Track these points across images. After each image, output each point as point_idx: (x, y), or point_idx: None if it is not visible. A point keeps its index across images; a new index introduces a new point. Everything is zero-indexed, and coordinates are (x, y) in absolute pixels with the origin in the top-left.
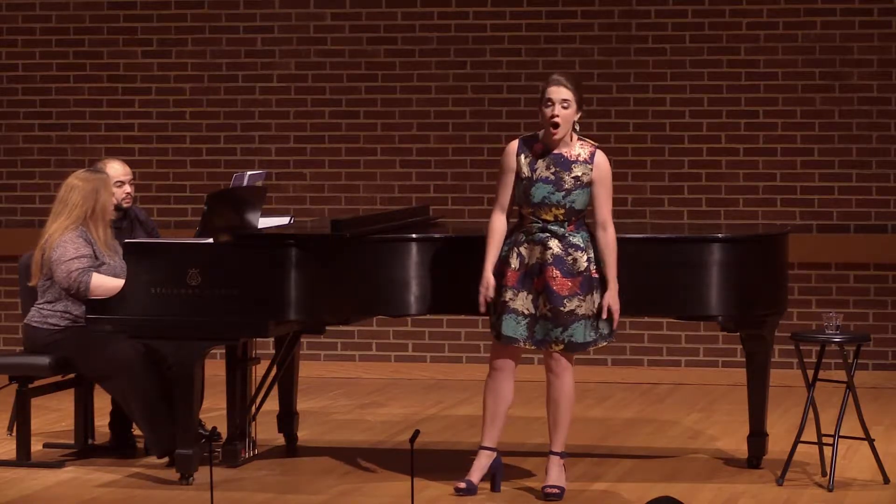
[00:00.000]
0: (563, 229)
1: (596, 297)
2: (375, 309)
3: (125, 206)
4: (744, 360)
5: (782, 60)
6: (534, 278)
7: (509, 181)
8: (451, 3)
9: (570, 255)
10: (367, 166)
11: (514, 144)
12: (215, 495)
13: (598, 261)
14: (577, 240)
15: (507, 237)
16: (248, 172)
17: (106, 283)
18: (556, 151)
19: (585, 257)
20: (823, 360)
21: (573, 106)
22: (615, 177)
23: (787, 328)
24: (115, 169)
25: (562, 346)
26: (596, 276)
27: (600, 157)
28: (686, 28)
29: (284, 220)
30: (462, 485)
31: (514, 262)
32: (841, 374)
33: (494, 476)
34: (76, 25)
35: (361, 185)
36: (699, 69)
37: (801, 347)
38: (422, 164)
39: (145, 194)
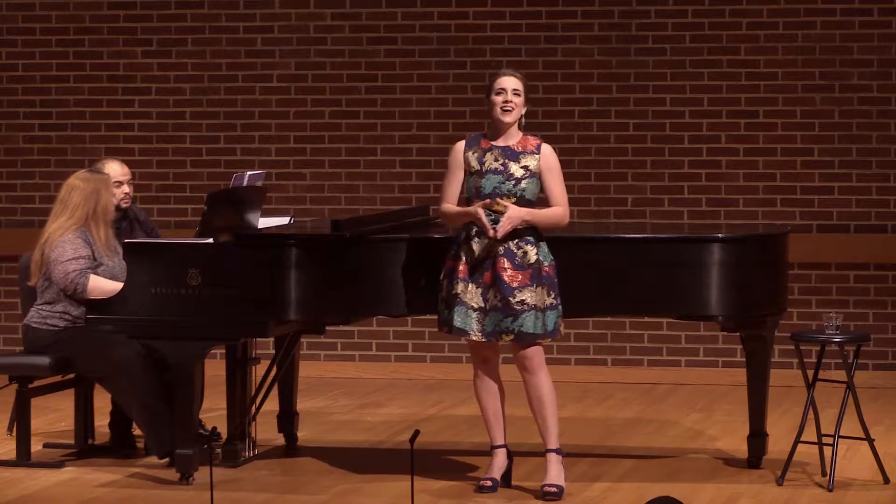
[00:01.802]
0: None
1: (544, 291)
2: (375, 309)
3: (124, 206)
4: (744, 360)
5: (782, 60)
6: (484, 272)
7: (455, 178)
8: (451, 3)
9: (520, 248)
10: (367, 166)
11: (461, 143)
12: (215, 495)
13: (545, 261)
14: (527, 234)
15: (459, 233)
16: (248, 172)
17: (103, 286)
18: (503, 144)
19: (535, 251)
20: (823, 360)
21: (522, 97)
22: (615, 176)
23: (787, 328)
24: (114, 169)
25: (511, 337)
26: (546, 273)
27: (546, 148)
28: (686, 28)
29: (284, 220)
30: (488, 483)
31: (465, 256)
32: (841, 374)
33: (508, 472)
34: (76, 25)
35: (361, 185)
36: (699, 69)
37: (801, 347)
38: (422, 164)
39: (145, 194)
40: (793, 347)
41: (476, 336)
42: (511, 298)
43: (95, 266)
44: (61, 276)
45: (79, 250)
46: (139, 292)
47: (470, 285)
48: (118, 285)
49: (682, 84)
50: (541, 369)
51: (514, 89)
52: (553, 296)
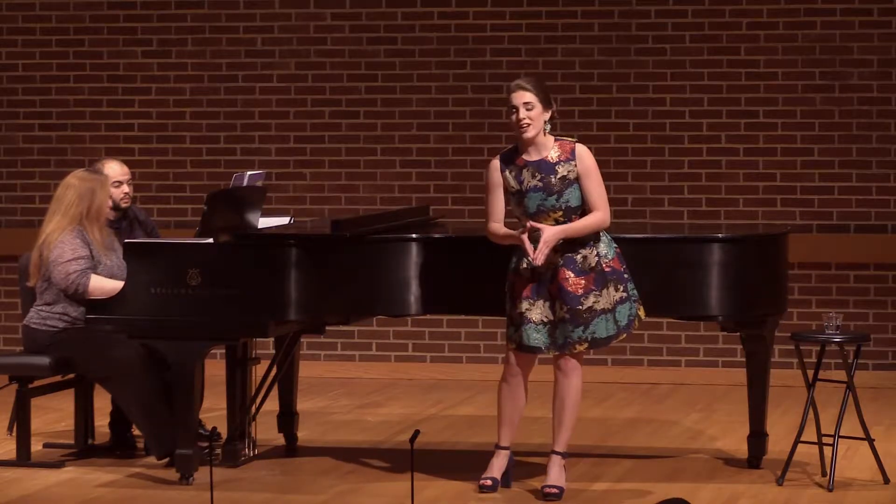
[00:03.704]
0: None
1: (611, 289)
2: (375, 309)
3: (123, 206)
4: (744, 360)
5: (782, 60)
6: (547, 285)
7: (498, 195)
8: (451, 3)
9: (578, 253)
10: (367, 166)
11: (497, 161)
12: (215, 495)
13: (608, 254)
14: (582, 238)
15: (515, 248)
16: (248, 172)
17: (104, 286)
18: (537, 159)
19: (594, 252)
20: (823, 360)
21: (537, 106)
22: (616, 176)
23: (787, 328)
24: (114, 169)
25: (585, 345)
26: (608, 269)
27: (580, 150)
28: (686, 28)
29: (284, 220)
30: (488, 482)
31: (525, 273)
32: (841, 374)
33: (507, 473)
34: (76, 25)
35: (361, 185)
36: (699, 69)
37: (801, 347)
38: (422, 164)
39: (145, 194)
40: (793, 347)
41: (550, 351)
42: (579, 307)
43: (94, 265)
44: (62, 276)
45: (77, 250)
46: (139, 292)
47: (536, 302)
48: (119, 284)
49: (682, 84)
50: (574, 372)
51: (526, 103)
52: (622, 288)
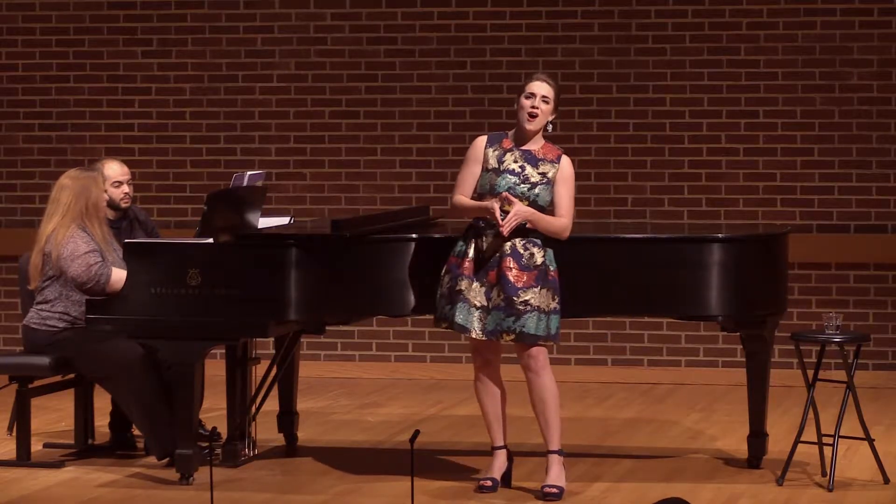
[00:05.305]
0: (523, 223)
1: (549, 294)
2: (375, 309)
3: (123, 206)
4: (744, 360)
5: (782, 60)
6: (489, 270)
7: (473, 171)
8: (451, 3)
9: (527, 249)
10: (367, 166)
11: (483, 138)
12: (215, 495)
13: (551, 265)
14: (535, 236)
15: (467, 228)
16: (248, 172)
17: (122, 276)
18: (524, 147)
19: (542, 253)
20: (823, 360)
21: (551, 104)
22: (615, 176)
23: (787, 328)
24: (114, 169)
25: (512, 337)
26: (552, 277)
27: (565, 159)
28: (686, 28)
29: (284, 220)
30: (488, 483)
31: (472, 253)
32: (841, 374)
33: (507, 473)
34: (76, 25)
35: (361, 185)
36: (699, 69)
37: (801, 347)
38: (422, 164)
39: (145, 194)
40: (793, 347)
41: (477, 334)
42: (515, 298)
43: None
44: (82, 269)
45: (90, 244)
46: (139, 292)
47: (474, 283)
48: None
49: (682, 84)
50: (545, 370)
51: (544, 96)
52: (557, 300)
